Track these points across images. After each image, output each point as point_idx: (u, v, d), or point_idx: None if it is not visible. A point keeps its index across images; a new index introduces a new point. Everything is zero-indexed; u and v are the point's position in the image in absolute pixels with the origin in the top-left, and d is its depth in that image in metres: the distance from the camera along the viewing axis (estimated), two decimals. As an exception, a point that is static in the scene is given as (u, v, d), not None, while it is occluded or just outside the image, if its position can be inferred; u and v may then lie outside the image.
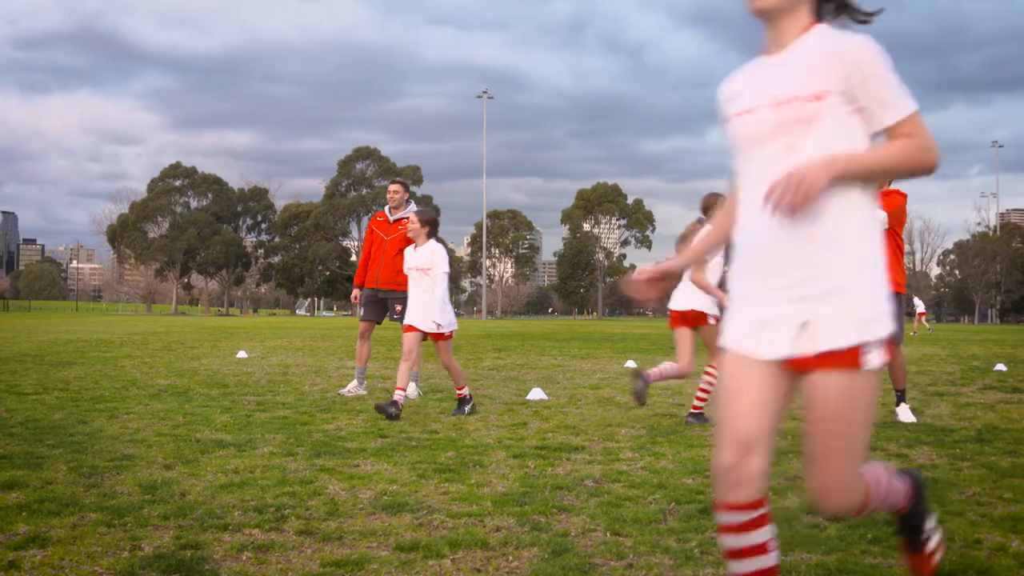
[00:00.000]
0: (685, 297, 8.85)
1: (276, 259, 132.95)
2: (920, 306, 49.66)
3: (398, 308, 11.03)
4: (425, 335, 9.67)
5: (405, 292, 11.10)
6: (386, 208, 11.42)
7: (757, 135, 2.87)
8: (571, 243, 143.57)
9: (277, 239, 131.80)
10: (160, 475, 5.92)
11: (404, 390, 9.11)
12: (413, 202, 11.47)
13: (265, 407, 9.58)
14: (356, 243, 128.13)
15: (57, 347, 20.91)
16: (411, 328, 9.57)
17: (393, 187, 11.38)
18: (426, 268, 9.55)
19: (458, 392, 9.47)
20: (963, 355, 21.97)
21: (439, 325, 9.40)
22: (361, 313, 11.42)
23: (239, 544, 4.35)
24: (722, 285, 8.48)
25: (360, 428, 8.16)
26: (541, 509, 5.11)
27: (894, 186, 9.06)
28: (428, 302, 9.50)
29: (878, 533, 4.59)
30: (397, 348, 20.52)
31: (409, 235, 9.73)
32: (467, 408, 9.36)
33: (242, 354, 18.67)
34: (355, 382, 11.15)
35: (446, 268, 9.54)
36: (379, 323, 11.36)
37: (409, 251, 9.81)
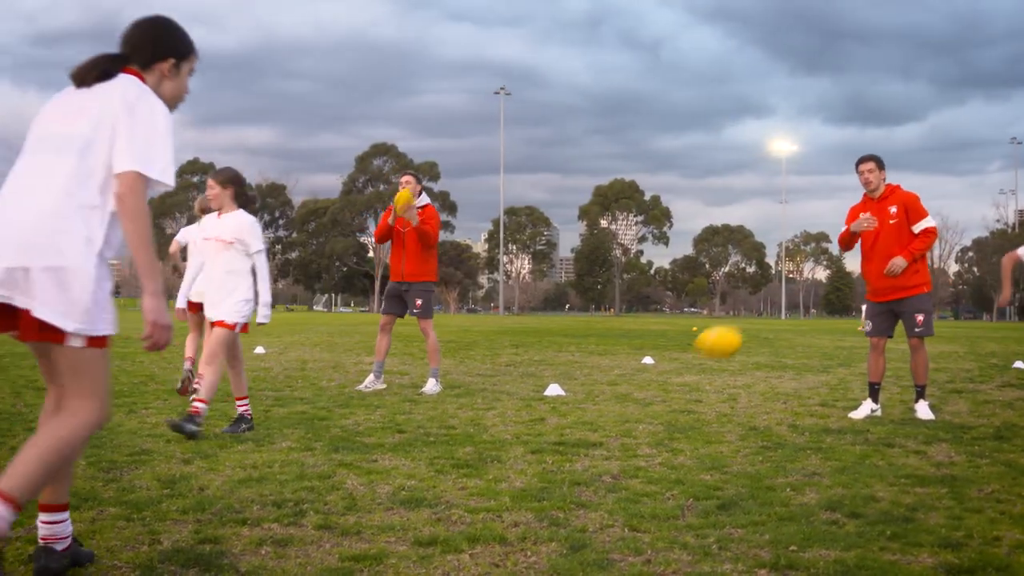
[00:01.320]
0: None
1: (294, 255, 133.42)
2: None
3: (418, 302, 11.02)
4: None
5: (427, 283, 11.11)
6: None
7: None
8: (588, 239, 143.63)
9: (294, 235, 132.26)
10: (179, 470, 5.95)
11: (206, 403, 7.44)
12: (426, 195, 11.37)
13: (283, 402, 9.61)
14: (373, 239, 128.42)
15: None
16: (220, 324, 7.85)
17: (406, 178, 11.29)
18: (229, 241, 7.85)
19: (238, 404, 7.90)
20: (981, 352, 21.87)
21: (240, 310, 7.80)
22: (383, 307, 11.41)
23: (258, 538, 4.36)
24: None
25: (378, 423, 8.17)
26: (559, 505, 5.11)
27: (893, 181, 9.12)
28: (231, 284, 7.86)
29: (897, 530, 4.57)
30: (414, 343, 20.54)
31: (209, 200, 8.15)
32: (242, 428, 7.64)
33: (260, 349, 18.72)
34: (372, 376, 11.15)
35: (262, 244, 7.97)
36: (400, 316, 11.30)
37: (211, 219, 8.26)
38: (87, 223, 3.36)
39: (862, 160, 9.09)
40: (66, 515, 3.77)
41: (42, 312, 3.25)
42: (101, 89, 3.53)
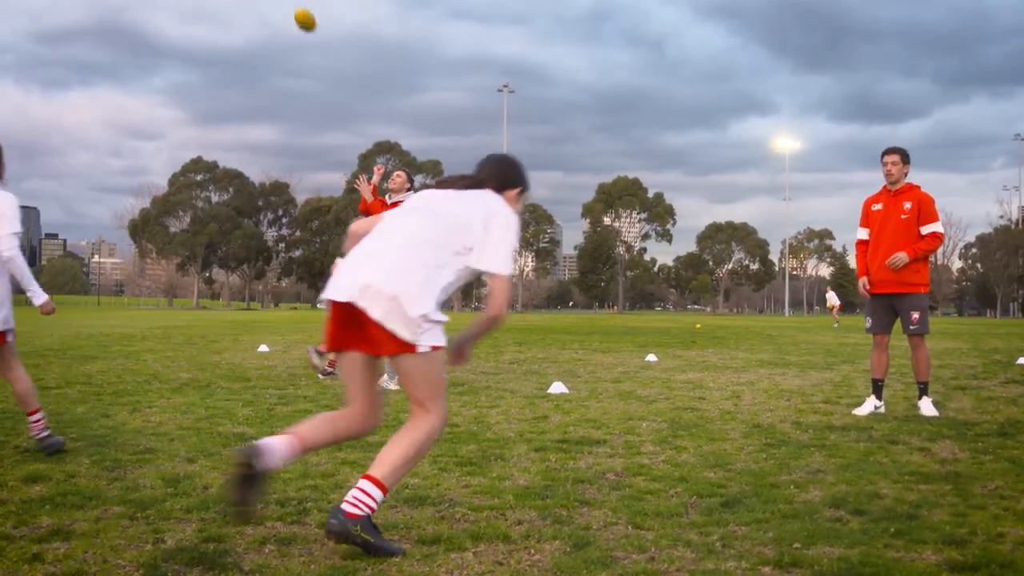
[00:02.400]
0: None
1: (297, 253, 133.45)
2: (834, 299, 50.51)
3: None
4: None
5: None
6: (386, 195, 11.44)
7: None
8: (592, 237, 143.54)
9: (298, 233, 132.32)
10: (182, 468, 5.95)
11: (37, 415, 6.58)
12: (413, 192, 11.42)
13: (287, 400, 9.61)
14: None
15: (80, 341, 21.02)
16: None
17: (398, 172, 11.43)
18: None
19: (32, 423, 6.56)
20: (985, 349, 21.86)
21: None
22: None
23: (261, 537, 4.37)
24: None
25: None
26: (563, 502, 5.11)
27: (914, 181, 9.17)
28: None
29: (901, 527, 4.57)
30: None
31: None
32: (51, 444, 6.46)
33: (263, 348, 18.73)
34: (385, 376, 11.12)
35: (16, 227, 6.35)
36: None
37: None
38: (431, 275, 4.25)
39: (888, 151, 9.16)
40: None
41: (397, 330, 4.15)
42: (470, 192, 4.56)
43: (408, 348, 4.15)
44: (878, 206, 9.19)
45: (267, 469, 4.13)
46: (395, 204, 11.15)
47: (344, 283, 4.23)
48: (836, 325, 43.94)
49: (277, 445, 4.18)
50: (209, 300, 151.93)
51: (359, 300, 4.13)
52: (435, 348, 4.18)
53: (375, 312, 4.12)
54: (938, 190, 9.63)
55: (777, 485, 5.60)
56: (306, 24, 10.26)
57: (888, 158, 9.12)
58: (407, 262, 4.22)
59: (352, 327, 4.23)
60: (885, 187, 9.21)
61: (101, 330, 27.83)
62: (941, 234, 9.06)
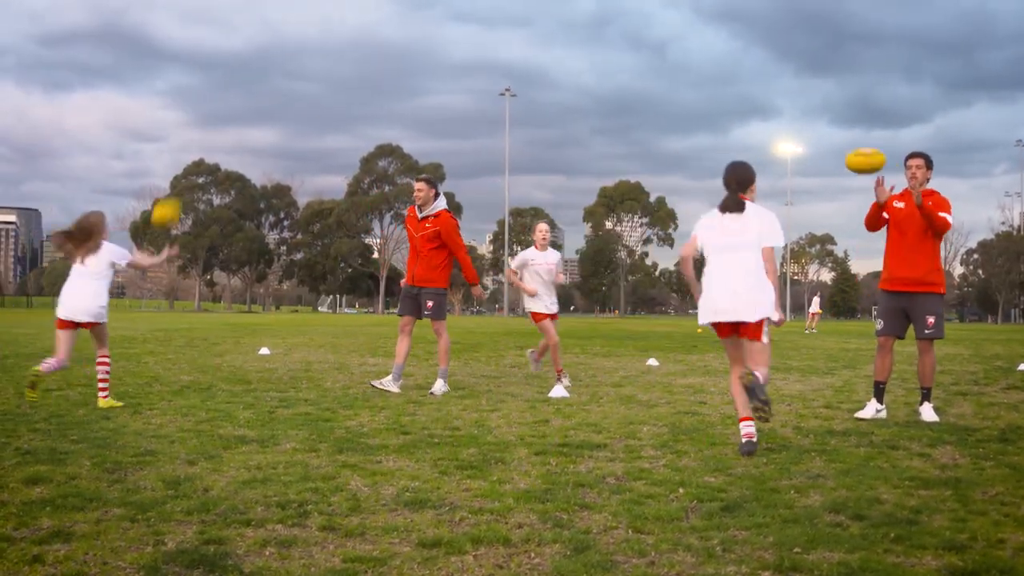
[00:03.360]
0: None
1: (299, 256, 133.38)
2: (816, 305, 50.33)
3: (429, 304, 11.00)
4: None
5: (438, 288, 11.09)
6: (416, 205, 11.33)
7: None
8: (593, 241, 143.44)
9: (300, 236, 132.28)
10: (183, 471, 5.95)
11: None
12: (443, 199, 11.29)
13: (288, 403, 9.61)
14: (378, 240, 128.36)
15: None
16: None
17: (417, 185, 11.23)
18: None
19: None
20: (986, 355, 21.83)
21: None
22: (399, 309, 11.37)
23: (262, 539, 4.37)
24: None
25: (382, 424, 8.17)
26: (563, 506, 5.11)
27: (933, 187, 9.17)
28: None
29: (901, 532, 4.57)
30: (420, 343, 20.52)
31: None
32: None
33: (264, 351, 18.72)
34: (390, 377, 11.08)
35: None
36: (418, 318, 11.24)
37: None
38: (763, 281, 7.06)
39: (913, 156, 9.17)
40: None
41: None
42: (745, 214, 7.14)
43: (758, 336, 7.03)
44: (900, 204, 9.16)
45: (760, 382, 6.84)
46: (426, 218, 11.07)
47: (710, 307, 7.16)
48: (807, 332, 43.81)
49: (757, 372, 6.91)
50: (210, 303, 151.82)
51: (727, 317, 7.07)
52: (767, 336, 7.08)
53: (736, 318, 7.03)
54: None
55: (777, 490, 5.60)
56: (164, 220, 11.26)
57: (913, 162, 9.13)
58: (745, 282, 7.02)
59: (726, 326, 7.16)
60: (906, 190, 9.20)
61: (102, 332, 27.81)
62: (949, 223, 9.04)
